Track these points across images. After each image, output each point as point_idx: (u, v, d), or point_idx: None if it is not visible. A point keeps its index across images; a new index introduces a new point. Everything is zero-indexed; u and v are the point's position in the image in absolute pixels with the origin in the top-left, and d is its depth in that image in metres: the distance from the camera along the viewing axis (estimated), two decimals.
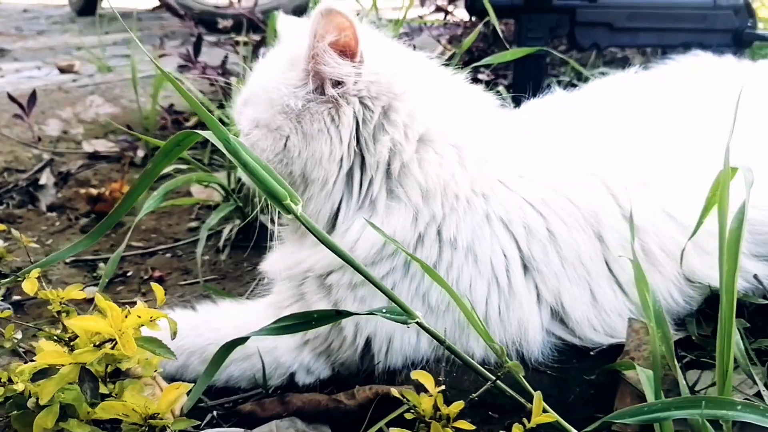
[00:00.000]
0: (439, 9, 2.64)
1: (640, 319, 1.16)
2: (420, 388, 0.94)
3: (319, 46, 1.08)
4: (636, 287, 0.97)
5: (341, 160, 1.14)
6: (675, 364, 0.95)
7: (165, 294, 1.02)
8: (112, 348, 0.85)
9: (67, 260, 1.75)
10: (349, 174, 1.16)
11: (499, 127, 1.27)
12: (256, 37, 2.54)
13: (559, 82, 2.25)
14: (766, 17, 3.33)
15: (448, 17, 2.68)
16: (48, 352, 0.85)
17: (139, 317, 0.86)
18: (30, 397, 0.90)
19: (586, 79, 2.22)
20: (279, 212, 1.02)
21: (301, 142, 1.14)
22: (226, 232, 1.82)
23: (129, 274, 1.74)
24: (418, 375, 0.92)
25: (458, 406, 0.89)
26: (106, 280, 1.42)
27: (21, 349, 1.15)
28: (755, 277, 1.25)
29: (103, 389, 0.89)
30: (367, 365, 1.20)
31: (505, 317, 1.17)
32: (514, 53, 1.94)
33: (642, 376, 0.96)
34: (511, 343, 1.18)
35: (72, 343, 0.90)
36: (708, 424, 0.85)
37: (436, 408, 0.89)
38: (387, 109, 1.14)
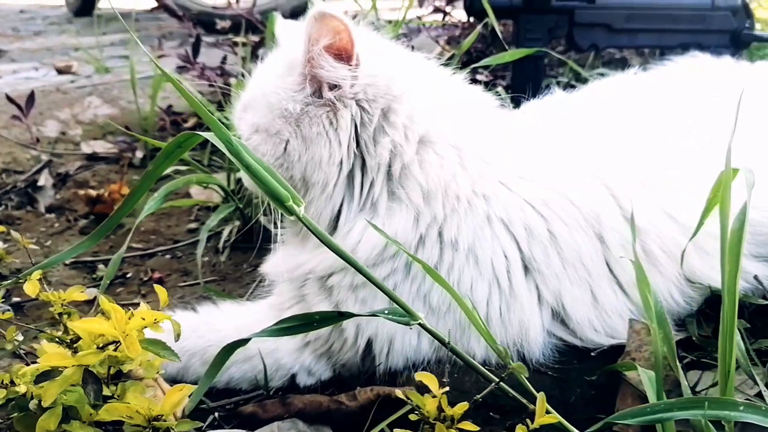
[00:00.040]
0: (437, 10, 2.64)
1: (640, 319, 1.16)
2: (422, 389, 0.94)
3: (314, 50, 1.08)
4: (637, 288, 0.97)
5: (341, 162, 1.14)
6: (677, 364, 0.95)
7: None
8: (116, 350, 0.85)
9: (67, 261, 1.74)
10: (350, 176, 1.16)
11: (499, 127, 1.27)
12: (255, 38, 2.54)
13: (557, 83, 2.25)
14: (764, 18, 3.34)
15: (447, 18, 2.68)
16: (52, 354, 0.85)
17: (143, 319, 0.86)
18: (32, 399, 0.90)
19: (584, 80, 2.23)
20: (282, 215, 1.02)
21: (300, 146, 1.14)
22: (225, 233, 1.82)
23: (128, 275, 1.73)
24: (422, 376, 0.92)
25: (462, 407, 0.89)
26: (107, 282, 1.42)
27: (21, 351, 1.15)
28: (755, 277, 1.25)
29: (105, 391, 0.89)
30: (368, 366, 1.20)
31: (506, 318, 1.17)
32: (512, 54, 1.95)
33: (643, 377, 0.96)
34: (512, 344, 1.18)
35: (75, 345, 0.90)
36: (710, 424, 0.85)
37: (440, 409, 0.89)
38: (386, 111, 1.14)
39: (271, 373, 1.19)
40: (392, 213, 1.14)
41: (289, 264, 1.21)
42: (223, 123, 0.91)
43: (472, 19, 2.47)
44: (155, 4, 3.09)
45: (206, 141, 0.92)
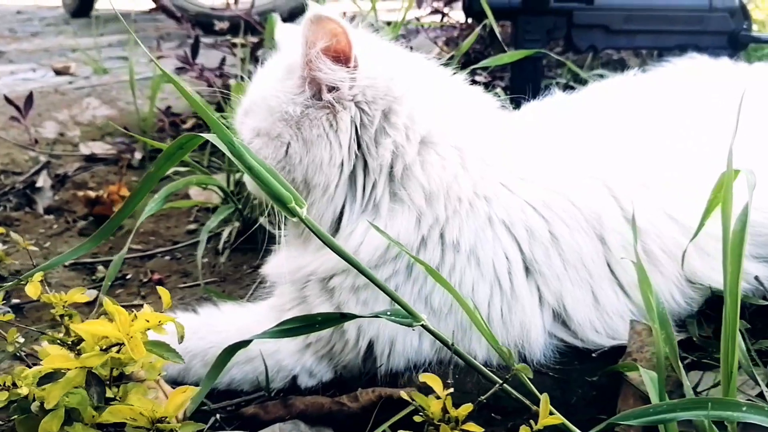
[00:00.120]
0: (435, 11, 2.64)
1: (641, 320, 1.16)
2: (424, 390, 0.94)
3: (311, 52, 1.08)
4: (639, 289, 0.98)
5: (341, 164, 1.14)
6: (679, 365, 0.95)
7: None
8: (118, 352, 0.85)
9: (66, 263, 1.74)
10: (352, 178, 1.16)
11: (500, 129, 1.27)
12: (254, 39, 2.53)
13: (556, 84, 2.25)
14: (761, 20, 3.35)
15: (445, 19, 2.68)
16: (55, 356, 0.85)
17: (147, 321, 0.86)
18: (34, 401, 0.89)
19: (583, 81, 2.23)
20: (284, 217, 1.02)
21: (301, 149, 1.14)
22: (225, 234, 1.82)
23: (128, 277, 1.73)
24: (426, 378, 0.91)
25: (467, 408, 0.89)
26: (109, 283, 1.42)
27: (22, 353, 1.15)
28: (756, 278, 1.26)
29: (107, 393, 0.89)
30: (370, 368, 1.20)
31: (508, 319, 1.17)
32: (511, 55, 1.95)
33: (645, 378, 0.96)
34: (513, 345, 1.18)
35: (78, 347, 0.90)
36: (713, 425, 0.86)
37: (444, 410, 0.89)
38: (387, 113, 1.14)
39: (273, 374, 1.19)
40: (394, 214, 1.14)
41: (291, 266, 1.21)
42: (222, 124, 0.91)
43: (470, 21, 2.46)
44: (153, 5, 3.09)
45: (206, 142, 0.92)
